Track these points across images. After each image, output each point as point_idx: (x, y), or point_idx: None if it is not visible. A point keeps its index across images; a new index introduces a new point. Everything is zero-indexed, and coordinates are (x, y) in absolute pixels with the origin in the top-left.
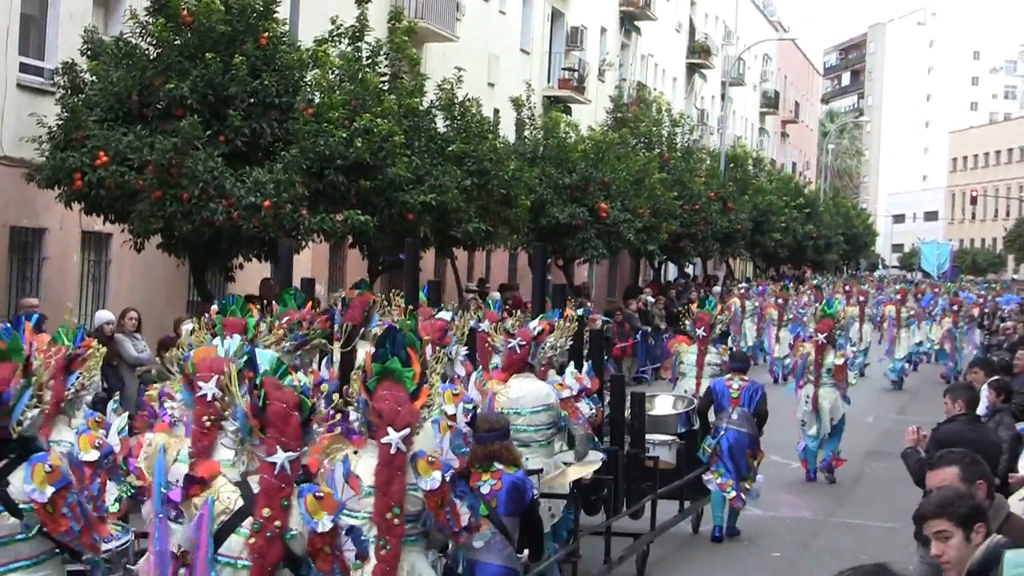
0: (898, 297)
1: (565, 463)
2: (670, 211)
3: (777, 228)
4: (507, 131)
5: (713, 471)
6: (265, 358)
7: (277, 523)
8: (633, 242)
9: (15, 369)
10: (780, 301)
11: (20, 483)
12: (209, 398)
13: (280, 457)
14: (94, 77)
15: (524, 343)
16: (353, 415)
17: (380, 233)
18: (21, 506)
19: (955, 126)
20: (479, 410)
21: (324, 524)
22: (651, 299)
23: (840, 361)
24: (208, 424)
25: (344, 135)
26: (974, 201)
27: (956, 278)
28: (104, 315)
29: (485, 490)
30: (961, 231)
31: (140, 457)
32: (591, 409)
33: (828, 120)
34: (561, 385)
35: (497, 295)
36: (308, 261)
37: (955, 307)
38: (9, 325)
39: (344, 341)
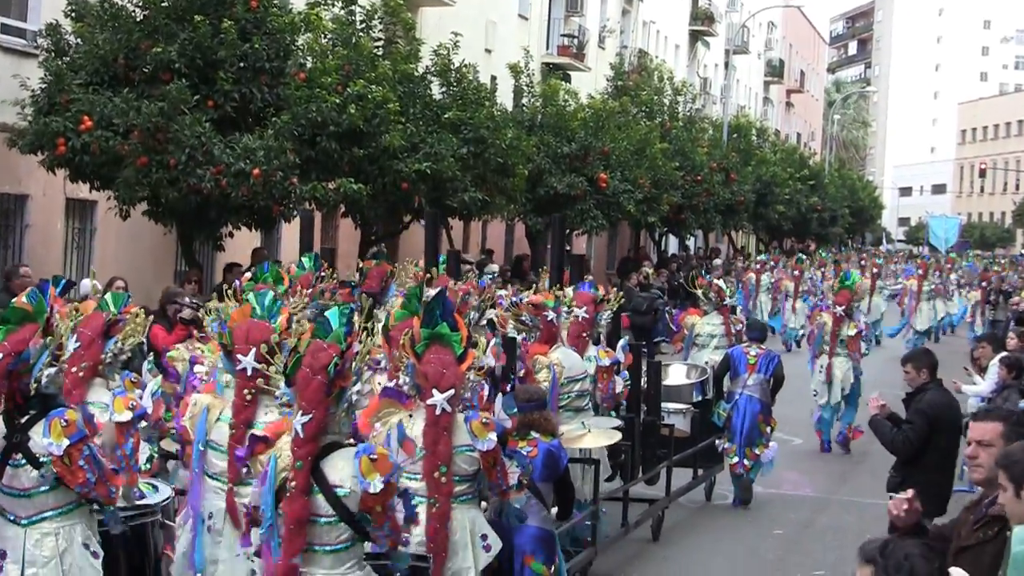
0: (920, 271)
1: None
2: (671, 182)
3: (781, 200)
4: (504, 99)
5: (725, 436)
6: (334, 315)
7: (292, 484)
8: (633, 213)
9: (36, 330)
10: (796, 273)
11: (40, 437)
12: (249, 372)
13: (296, 421)
14: (79, 39)
15: (587, 316)
16: (403, 379)
17: (373, 202)
18: (41, 459)
19: (964, 97)
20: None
21: (375, 485)
22: (650, 271)
23: (853, 332)
24: (249, 397)
25: (337, 101)
26: (983, 174)
27: (964, 253)
28: (88, 284)
29: None
30: (969, 204)
31: (185, 416)
32: (622, 385)
33: (834, 90)
34: (607, 353)
35: (495, 267)
36: (297, 231)
37: (984, 283)
38: (36, 290)
39: (365, 313)
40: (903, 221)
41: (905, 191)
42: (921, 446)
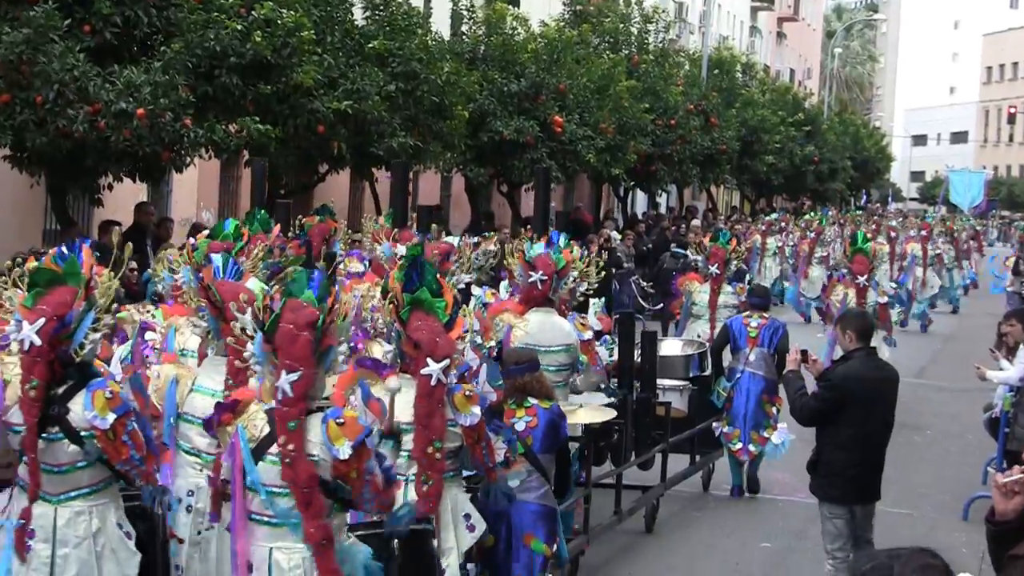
0: (923, 233)
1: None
2: (639, 127)
3: (771, 150)
4: (441, 26)
5: (724, 418)
6: (318, 279)
7: (291, 447)
8: (594, 164)
9: (75, 293)
10: (813, 235)
11: (80, 409)
12: (250, 331)
13: (282, 380)
14: None
15: (545, 278)
16: (386, 347)
17: (283, 148)
18: (82, 433)
19: (990, 27)
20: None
21: (344, 451)
22: (615, 235)
23: (884, 300)
24: (248, 357)
25: (239, 27)
26: (1012, 119)
27: (991, 213)
28: None
29: (520, 427)
30: (995, 156)
31: (149, 390)
32: (609, 354)
33: (835, 18)
34: (583, 325)
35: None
36: (193, 181)
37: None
38: (66, 250)
39: (330, 270)
40: (916, 176)
41: (919, 140)
42: (824, 417)
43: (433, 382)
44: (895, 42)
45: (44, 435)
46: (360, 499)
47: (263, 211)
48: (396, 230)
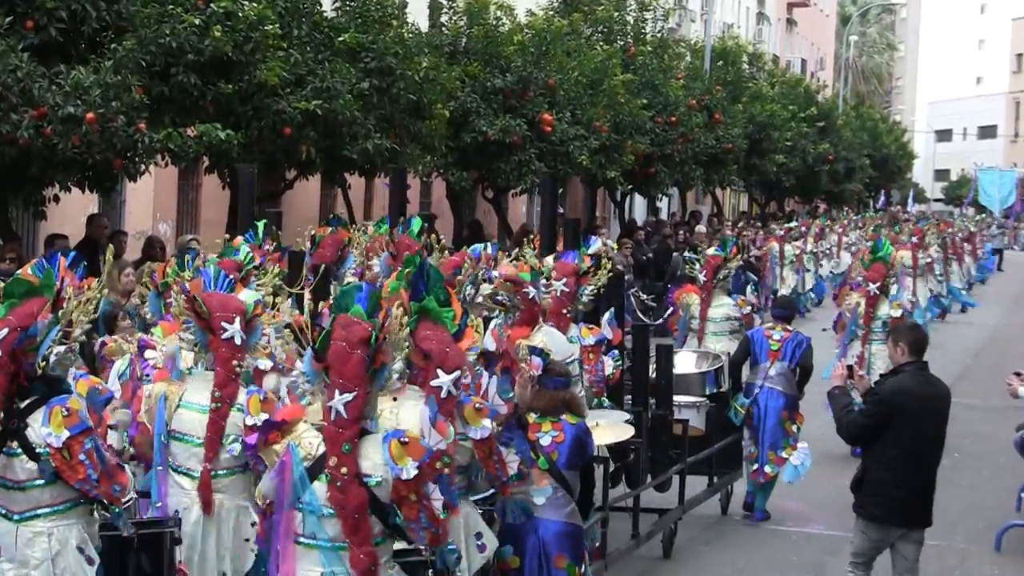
0: (914, 240)
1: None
2: (637, 125)
3: (781, 148)
4: (418, 17)
5: (750, 436)
6: (367, 292)
7: (343, 470)
8: (587, 166)
9: (44, 304)
10: (915, 239)
11: (38, 426)
12: (237, 341)
13: (336, 400)
14: None
15: (567, 289)
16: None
17: (246, 153)
18: (39, 450)
19: (1021, 11)
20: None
21: (408, 471)
22: (611, 244)
23: (897, 313)
24: (238, 369)
25: (197, 21)
26: None
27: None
28: None
29: (546, 442)
30: None
31: (141, 412)
32: (612, 367)
33: (850, 2)
34: (590, 330)
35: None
36: (148, 191)
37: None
38: (44, 261)
39: (316, 284)
40: (941, 174)
41: (943, 135)
42: (872, 435)
43: (444, 394)
44: (916, 28)
45: (5, 450)
46: (414, 526)
47: (264, 222)
48: (391, 236)
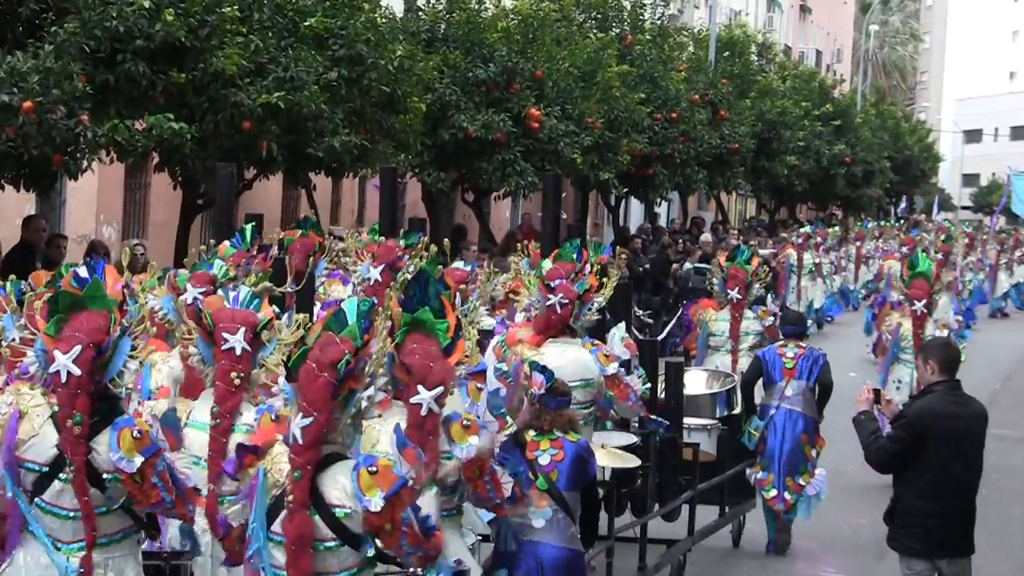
0: (904, 250)
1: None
2: (633, 122)
3: (792, 149)
4: (392, 1)
5: (757, 463)
6: (351, 307)
7: (290, 498)
8: (578, 167)
9: (108, 317)
10: (906, 249)
11: (105, 450)
12: (239, 352)
13: (294, 424)
14: None
15: (566, 302)
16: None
17: (201, 149)
18: (105, 476)
19: None
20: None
21: (375, 502)
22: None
23: (943, 333)
24: (237, 382)
25: (147, 3)
26: None
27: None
28: None
29: (544, 461)
30: None
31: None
32: (642, 383)
33: None
34: (607, 357)
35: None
36: (91, 190)
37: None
38: (86, 269)
39: (300, 290)
40: (969, 179)
41: (972, 136)
42: (903, 461)
43: (424, 411)
44: (943, 17)
45: (62, 476)
46: (400, 552)
47: (251, 225)
48: (376, 242)
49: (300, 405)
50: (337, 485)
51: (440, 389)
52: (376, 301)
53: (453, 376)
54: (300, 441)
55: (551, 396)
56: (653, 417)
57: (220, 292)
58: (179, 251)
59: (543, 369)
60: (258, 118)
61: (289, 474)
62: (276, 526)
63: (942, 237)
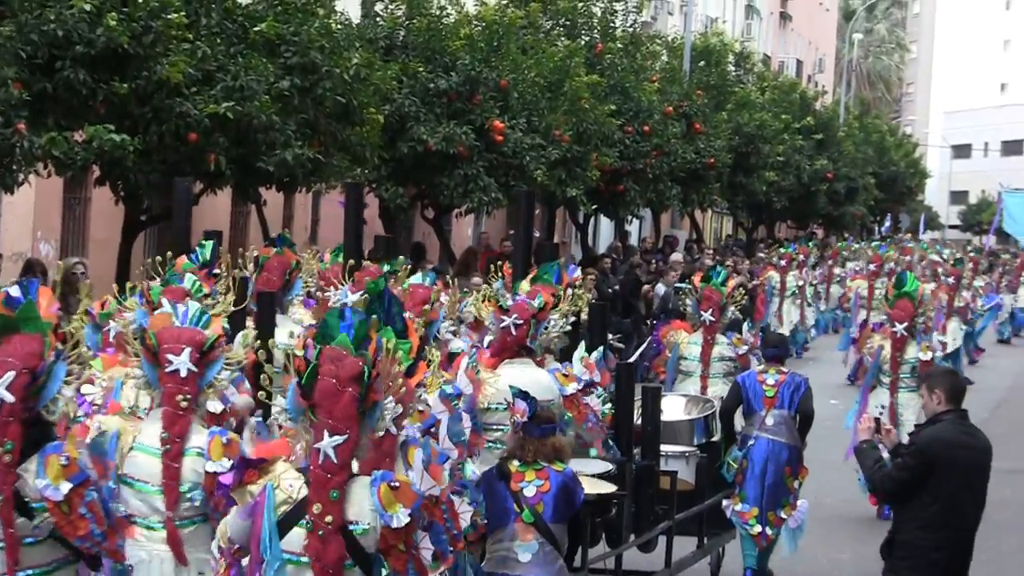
0: (871, 268)
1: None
2: (603, 135)
3: (771, 164)
4: (348, 5)
5: (736, 495)
6: (352, 321)
7: (328, 519)
8: (545, 183)
9: (43, 341)
10: (873, 267)
11: (32, 477)
12: (183, 374)
13: (325, 443)
14: None
15: (521, 322)
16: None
17: (144, 162)
18: (32, 504)
19: None
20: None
21: (399, 518)
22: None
23: (927, 356)
24: (184, 404)
25: (88, 7)
26: None
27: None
28: None
29: (530, 492)
30: None
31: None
32: (602, 404)
33: None
34: (566, 376)
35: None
36: (27, 204)
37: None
38: (19, 289)
39: (260, 312)
40: (958, 196)
41: (961, 150)
42: (909, 491)
43: (380, 432)
44: (931, 26)
45: None
46: None
47: (211, 242)
48: (350, 269)
49: (325, 423)
50: (353, 501)
51: (399, 410)
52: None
53: (413, 397)
54: (335, 459)
55: (535, 424)
56: (611, 443)
57: (167, 308)
58: (121, 270)
59: (525, 396)
60: (205, 129)
61: (321, 496)
62: (284, 543)
63: (952, 259)
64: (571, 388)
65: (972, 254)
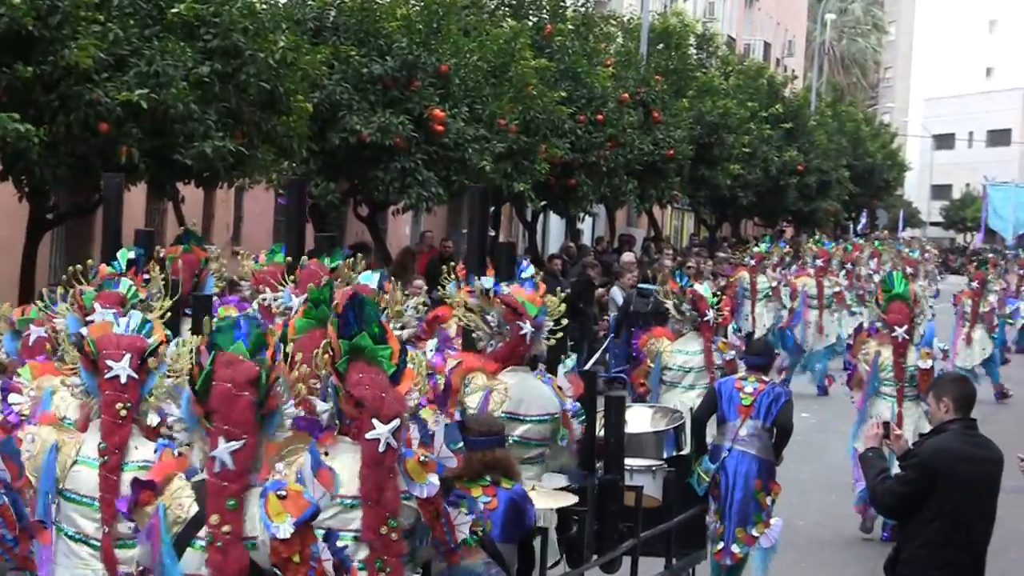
0: (819, 263)
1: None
2: (553, 124)
3: (737, 156)
4: None
5: (714, 510)
6: (247, 328)
7: (226, 529)
8: (489, 176)
9: None
10: (820, 263)
11: None
12: (123, 380)
13: (221, 449)
14: None
15: (534, 330)
16: (322, 406)
17: (50, 154)
18: None
19: None
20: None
21: (284, 529)
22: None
23: (927, 364)
24: (124, 413)
25: None
26: None
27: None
28: None
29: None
30: None
31: (22, 455)
32: (578, 423)
33: None
34: (560, 390)
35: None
36: None
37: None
38: None
39: (195, 319)
40: (940, 191)
41: (943, 140)
42: (911, 505)
43: (382, 447)
44: (910, 6)
45: None
46: None
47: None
48: (293, 271)
49: (220, 429)
50: (251, 514)
51: (397, 422)
52: (266, 323)
53: (406, 406)
54: (232, 467)
55: (467, 435)
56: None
57: (106, 316)
58: (26, 273)
59: (462, 410)
60: (117, 119)
61: (218, 505)
62: (184, 565)
63: (975, 263)
64: (571, 403)
65: (991, 255)
